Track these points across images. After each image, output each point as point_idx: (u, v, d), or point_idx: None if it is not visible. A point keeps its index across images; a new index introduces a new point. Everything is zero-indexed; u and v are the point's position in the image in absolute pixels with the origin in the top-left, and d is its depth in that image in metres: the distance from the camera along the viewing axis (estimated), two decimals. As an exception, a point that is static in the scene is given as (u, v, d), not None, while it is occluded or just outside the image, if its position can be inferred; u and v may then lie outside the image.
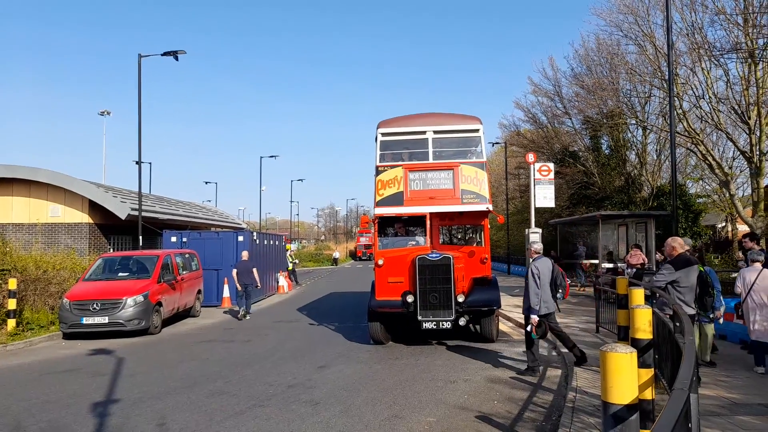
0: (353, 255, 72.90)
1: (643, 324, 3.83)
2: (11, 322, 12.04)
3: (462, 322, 9.89)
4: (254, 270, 15.57)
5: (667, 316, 5.59)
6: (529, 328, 7.92)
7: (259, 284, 15.96)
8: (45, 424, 6.20)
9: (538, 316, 7.90)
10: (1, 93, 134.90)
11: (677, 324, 4.86)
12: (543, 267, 8.08)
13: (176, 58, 19.27)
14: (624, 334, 7.48)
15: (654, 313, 4.63)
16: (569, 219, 23.84)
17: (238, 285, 15.29)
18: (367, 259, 65.78)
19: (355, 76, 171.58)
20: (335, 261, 58.84)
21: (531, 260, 8.28)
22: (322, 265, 55.73)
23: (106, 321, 11.95)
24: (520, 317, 13.31)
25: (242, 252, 16.39)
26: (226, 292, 18.23)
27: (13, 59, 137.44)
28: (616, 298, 8.14)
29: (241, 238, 18.83)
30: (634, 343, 3.98)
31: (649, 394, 3.70)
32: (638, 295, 5.95)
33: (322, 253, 64.95)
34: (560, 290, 8.21)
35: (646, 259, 15.72)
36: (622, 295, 7.44)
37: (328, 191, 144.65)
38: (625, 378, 2.46)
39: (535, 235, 13.72)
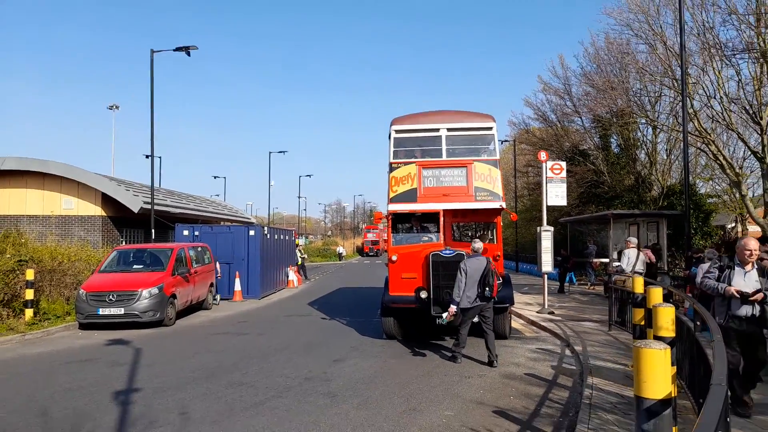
0: (360, 251, 73.12)
1: (666, 322, 3.90)
2: (29, 312, 12.22)
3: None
4: (217, 262, 17.05)
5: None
6: (444, 315, 9.06)
7: (220, 275, 17.31)
8: (69, 412, 6.34)
9: (458, 307, 8.78)
10: (11, 87, 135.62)
11: (697, 323, 4.92)
12: (473, 265, 8.78)
13: (188, 54, 19.39)
14: (639, 333, 7.53)
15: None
16: (580, 217, 23.83)
17: None
18: (374, 255, 66.00)
19: (363, 73, 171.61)
20: (340, 256, 58.87)
21: (465, 257, 9.13)
22: (330, 261, 55.90)
23: (122, 312, 12.11)
24: (531, 314, 13.40)
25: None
26: (238, 286, 18.39)
27: (22, 54, 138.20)
28: (631, 297, 8.19)
29: (252, 233, 18.98)
30: (657, 340, 4.05)
31: (673, 391, 3.77)
32: (657, 293, 6.00)
33: (329, 248, 65.10)
34: (487, 288, 8.70)
35: (654, 258, 15.72)
36: (638, 293, 7.48)
37: (335, 187, 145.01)
38: (660, 373, 2.54)
39: (547, 234, 13.75)
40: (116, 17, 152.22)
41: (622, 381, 7.06)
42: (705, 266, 9.01)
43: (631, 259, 11.75)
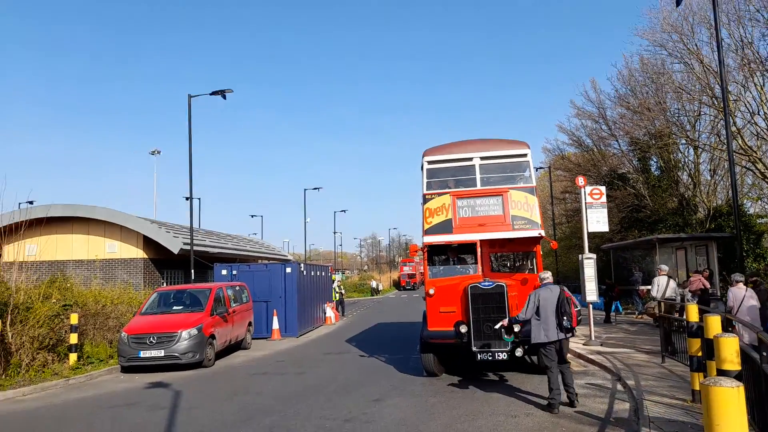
0: (397, 284, 72.60)
1: (731, 354, 3.58)
2: (73, 356, 12.41)
3: (519, 353, 9.56)
4: None
5: None
6: (497, 326, 8.77)
7: None
8: (109, 459, 6.28)
9: (515, 323, 8.59)
10: (55, 137, 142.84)
11: (764, 354, 4.53)
12: (542, 295, 8.06)
13: (224, 97, 20.00)
14: (697, 365, 7.06)
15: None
16: (623, 243, 23.08)
17: None
18: (411, 288, 65.39)
19: (391, 104, 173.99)
20: (374, 291, 57.96)
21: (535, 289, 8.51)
22: (366, 296, 55.59)
23: (162, 354, 12.17)
24: (578, 347, 12.83)
25: None
26: (276, 324, 18.35)
27: (68, 105, 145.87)
28: (686, 326, 7.73)
29: (288, 270, 19.02)
30: (721, 375, 3.72)
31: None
32: (715, 322, 5.60)
33: (365, 283, 64.87)
34: (565, 318, 7.89)
35: (707, 284, 14.95)
36: (694, 322, 7.04)
37: (370, 221, 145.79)
38: (733, 414, 2.28)
39: (589, 261, 13.28)
40: (153, 66, 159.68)
41: (682, 417, 6.58)
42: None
43: (661, 286, 11.98)
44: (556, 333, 7.87)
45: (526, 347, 9.84)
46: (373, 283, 60.55)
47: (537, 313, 7.95)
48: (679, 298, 12.61)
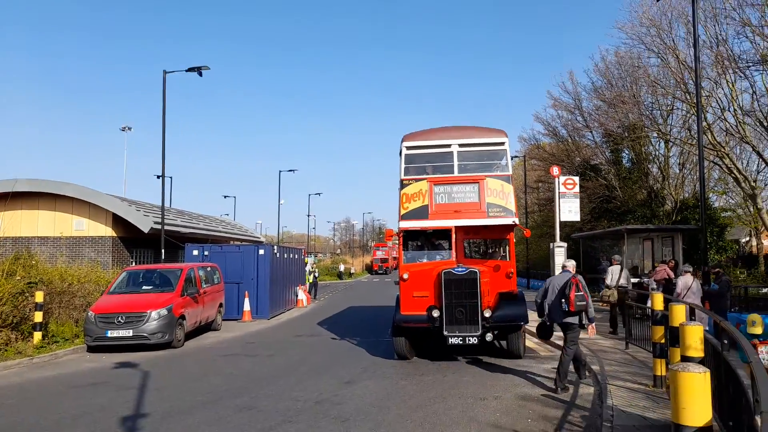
0: (369, 269, 72.88)
1: (695, 341, 3.69)
2: (37, 335, 12.13)
3: (489, 337, 9.72)
4: None
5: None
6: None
7: None
8: (75, 438, 6.18)
9: (545, 316, 8.42)
10: (22, 110, 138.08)
11: (724, 342, 4.69)
12: (557, 280, 8.41)
13: (200, 74, 19.51)
14: (660, 351, 7.28)
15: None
16: (593, 233, 23.53)
17: None
18: (383, 272, 65.74)
19: (370, 89, 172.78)
20: (340, 275, 56.44)
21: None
22: (339, 279, 55.64)
23: (131, 334, 11.98)
24: (545, 333, 13.08)
25: None
26: (247, 306, 18.23)
27: (35, 77, 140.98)
28: (650, 314, 7.94)
29: (261, 252, 18.87)
30: (685, 361, 3.84)
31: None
32: (680, 311, 5.77)
33: (338, 266, 64.91)
34: (563, 300, 8.01)
35: (672, 274, 15.37)
36: (658, 311, 7.24)
37: (344, 205, 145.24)
38: (699, 399, 2.35)
39: (560, 250, 13.52)
40: (129, 42, 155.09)
41: (644, 401, 6.80)
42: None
43: (615, 274, 12.96)
44: (559, 316, 8.09)
45: (495, 332, 10.02)
46: (341, 267, 60.03)
47: (544, 296, 8.39)
48: (630, 285, 13.48)
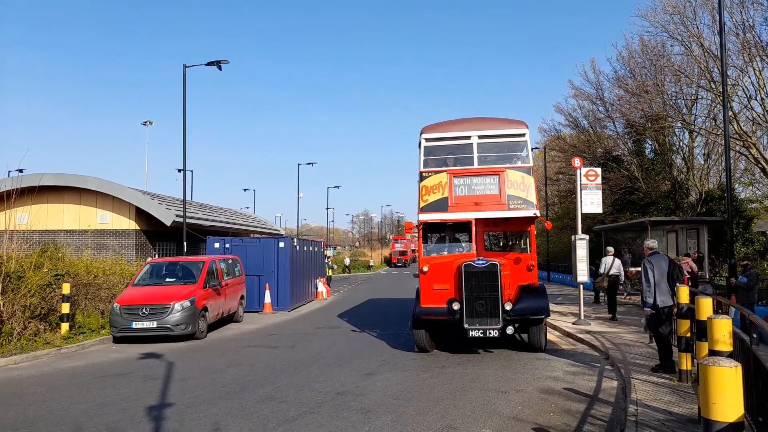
0: (388, 261, 72.95)
1: (723, 335, 3.62)
2: (65, 326, 12.41)
3: (510, 330, 9.67)
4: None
5: None
6: (643, 321, 8.33)
7: None
8: (103, 427, 6.32)
9: (652, 308, 7.99)
10: (47, 106, 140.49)
11: (753, 336, 4.58)
12: (656, 263, 8.11)
13: (220, 68, 19.68)
14: (685, 345, 7.17)
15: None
16: (615, 225, 23.22)
17: None
18: (402, 265, 65.72)
19: (389, 81, 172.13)
20: (347, 268, 54.44)
21: (645, 256, 8.41)
22: (358, 272, 55.77)
23: (155, 325, 12.19)
24: (567, 326, 12.99)
25: None
26: (268, 298, 18.40)
27: (59, 72, 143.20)
28: (677, 308, 7.81)
29: (282, 245, 19.01)
30: (713, 355, 3.77)
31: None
32: (706, 304, 5.66)
33: (357, 259, 65.04)
34: (677, 285, 7.89)
35: (695, 267, 15.11)
36: (684, 304, 7.13)
37: (363, 198, 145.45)
38: (731, 394, 2.30)
39: (582, 242, 13.35)
40: (149, 37, 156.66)
41: (669, 396, 6.71)
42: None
43: (607, 264, 14.58)
44: (670, 298, 7.94)
45: (516, 325, 9.96)
46: (347, 260, 58.19)
47: (648, 280, 8.05)
48: (622, 274, 15.11)
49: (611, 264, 14.57)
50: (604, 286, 14.68)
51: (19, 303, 11.63)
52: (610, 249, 15.33)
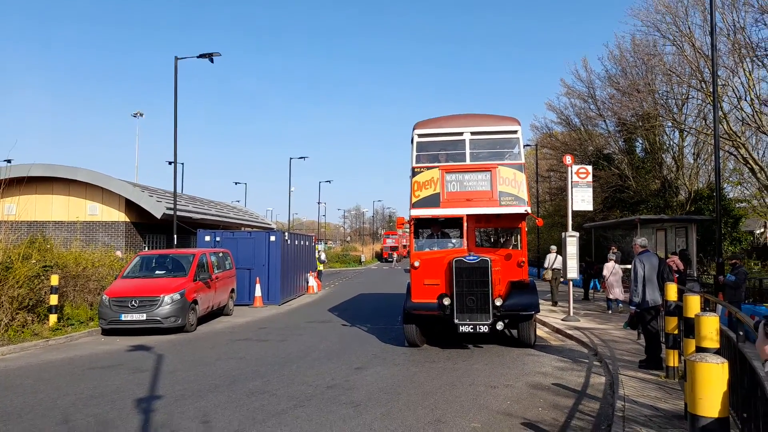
0: (379, 256, 73.13)
1: (710, 332, 3.67)
2: (53, 318, 12.31)
3: (500, 326, 9.73)
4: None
5: None
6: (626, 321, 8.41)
7: None
8: (91, 419, 6.29)
9: (637, 307, 8.05)
10: (34, 96, 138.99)
11: (739, 333, 4.65)
12: (647, 261, 8.13)
13: (212, 61, 19.57)
14: (672, 342, 7.25)
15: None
16: (605, 223, 23.37)
17: None
18: (393, 260, 65.93)
19: (381, 77, 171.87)
20: (319, 262, 54.24)
21: (636, 254, 8.42)
22: (349, 267, 55.81)
23: (144, 318, 12.13)
24: (557, 322, 13.09)
25: None
26: (258, 292, 18.37)
27: (49, 63, 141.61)
28: (665, 305, 7.90)
29: (273, 239, 18.97)
30: (701, 352, 3.82)
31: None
32: (694, 302, 5.73)
33: (348, 254, 65.10)
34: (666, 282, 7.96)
35: (681, 265, 15.24)
36: (671, 301, 7.20)
37: (354, 193, 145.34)
38: (717, 390, 2.34)
39: (572, 239, 13.44)
40: (140, 29, 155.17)
41: (656, 392, 6.79)
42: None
43: (551, 260, 17.37)
44: (660, 296, 7.96)
45: (506, 321, 10.03)
46: (322, 256, 57.21)
47: (636, 278, 8.06)
48: (562, 269, 16.20)
49: (554, 259, 17.30)
50: (548, 278, 17.51)
51: (6, 294, 11.52)
52: (553, 247, 17.90)
